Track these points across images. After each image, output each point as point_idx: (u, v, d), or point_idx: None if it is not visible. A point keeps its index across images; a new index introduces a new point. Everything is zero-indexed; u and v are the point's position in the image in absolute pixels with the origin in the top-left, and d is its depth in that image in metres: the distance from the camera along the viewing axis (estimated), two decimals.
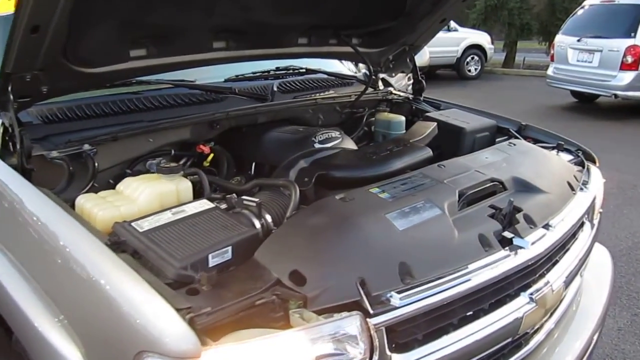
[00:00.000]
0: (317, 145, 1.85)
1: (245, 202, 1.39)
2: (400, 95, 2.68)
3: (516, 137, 2.24)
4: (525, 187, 1.60)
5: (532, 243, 1.40)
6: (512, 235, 1.38)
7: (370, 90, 2.65)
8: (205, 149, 1.94)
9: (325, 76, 2.58)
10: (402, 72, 2.76)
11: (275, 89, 2.28)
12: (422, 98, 2.68)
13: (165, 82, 2.03)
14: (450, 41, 11.92)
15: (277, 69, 2.44)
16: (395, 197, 1.37)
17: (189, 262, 1.14)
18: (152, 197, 1.40)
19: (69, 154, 1.59)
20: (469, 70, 12.40)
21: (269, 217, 1.39)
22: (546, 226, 1.49)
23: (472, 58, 12.39)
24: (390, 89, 2.78)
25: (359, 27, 2.32)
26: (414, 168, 1.71)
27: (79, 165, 1.59)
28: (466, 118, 2.33)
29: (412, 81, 2.74)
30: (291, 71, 2.49)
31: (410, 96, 2.68)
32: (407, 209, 1.32)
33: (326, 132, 1.93)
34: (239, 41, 1.99)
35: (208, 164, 1.94)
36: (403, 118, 2.42)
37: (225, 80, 2.24)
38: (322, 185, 1.61)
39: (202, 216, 1.31)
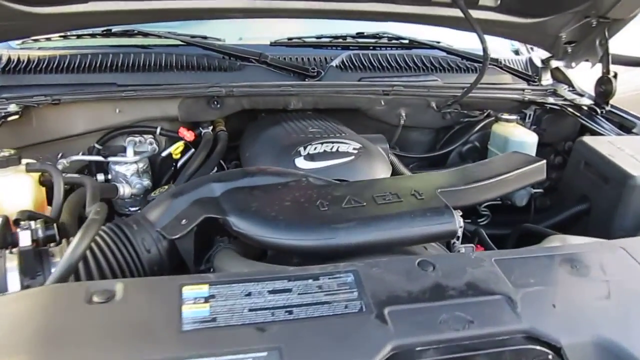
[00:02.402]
0: (298, 162, 1.12)
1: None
2: (567, 99, 1.63)
3: None
4: None
5: None
6: None
7: (510, 83, 1.69)
8: (188, 135, 1.41)
9: (443, 54, 1.71)
10: (586, 60, 1.67)
11: (335, 63, 1.56)
12: (605, 109, 1.58)
13: (175, 37, 1.53)
14: None
15: (359, 35, 1.68)
16: (212, 322, 0.62)
17: None
18: None
19: None
20: None
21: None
22: None
23: None
24: (562, 86, 1.74)
25: None
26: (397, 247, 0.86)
27: None
28: None
29: None
30: (385, 41, 1.70)
31: (587, 103, 1.61)
32: None
33: (331, 143, 1.16)
34: None
35: (178, 156, 1.41)
36: (534, 138, 1.43)
37: (272, 44, 1.61)
38: (219, 235, 0.92)
39: None
